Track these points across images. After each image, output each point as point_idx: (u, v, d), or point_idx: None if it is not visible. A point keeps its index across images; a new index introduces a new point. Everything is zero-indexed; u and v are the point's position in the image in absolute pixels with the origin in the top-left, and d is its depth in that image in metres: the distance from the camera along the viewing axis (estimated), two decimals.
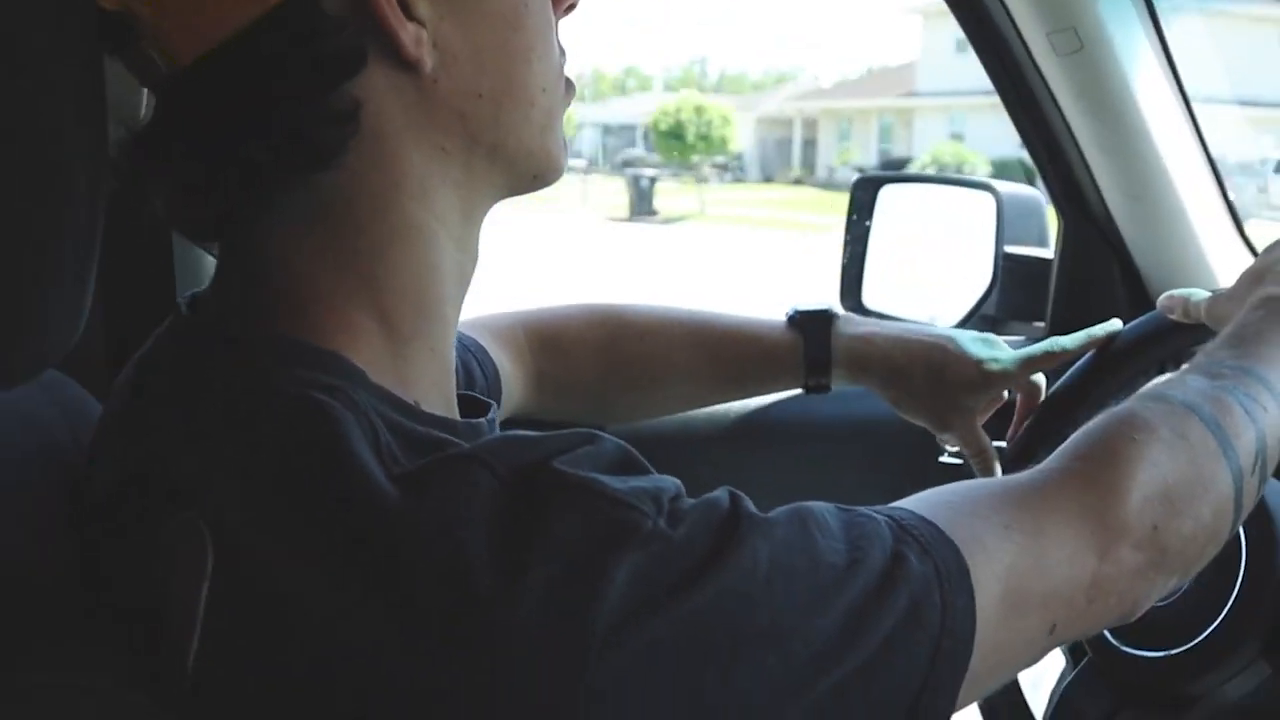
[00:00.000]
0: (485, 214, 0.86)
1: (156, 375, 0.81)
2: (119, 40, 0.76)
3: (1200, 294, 1.26)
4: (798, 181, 43.62)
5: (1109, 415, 0.97)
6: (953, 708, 0.77)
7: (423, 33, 0.77)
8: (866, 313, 2.05)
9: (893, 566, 0.75)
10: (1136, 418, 0.94)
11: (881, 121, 44.51)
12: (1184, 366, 1.06)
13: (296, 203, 0.77)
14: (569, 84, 0.87)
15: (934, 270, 2.16)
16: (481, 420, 0.85)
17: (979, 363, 1.39)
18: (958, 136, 36.68)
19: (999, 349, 1.42)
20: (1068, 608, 0.85)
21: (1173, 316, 1.29)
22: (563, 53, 0.87)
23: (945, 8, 1.73)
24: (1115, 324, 1.40)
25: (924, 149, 34.76)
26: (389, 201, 0.78)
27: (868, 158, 41.81)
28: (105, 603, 0.74)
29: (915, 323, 1.86)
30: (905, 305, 2.08)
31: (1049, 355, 1.41)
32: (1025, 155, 1.87)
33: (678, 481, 0.73)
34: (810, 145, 48.19)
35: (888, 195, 2.11)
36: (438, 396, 0.83)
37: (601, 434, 0.74)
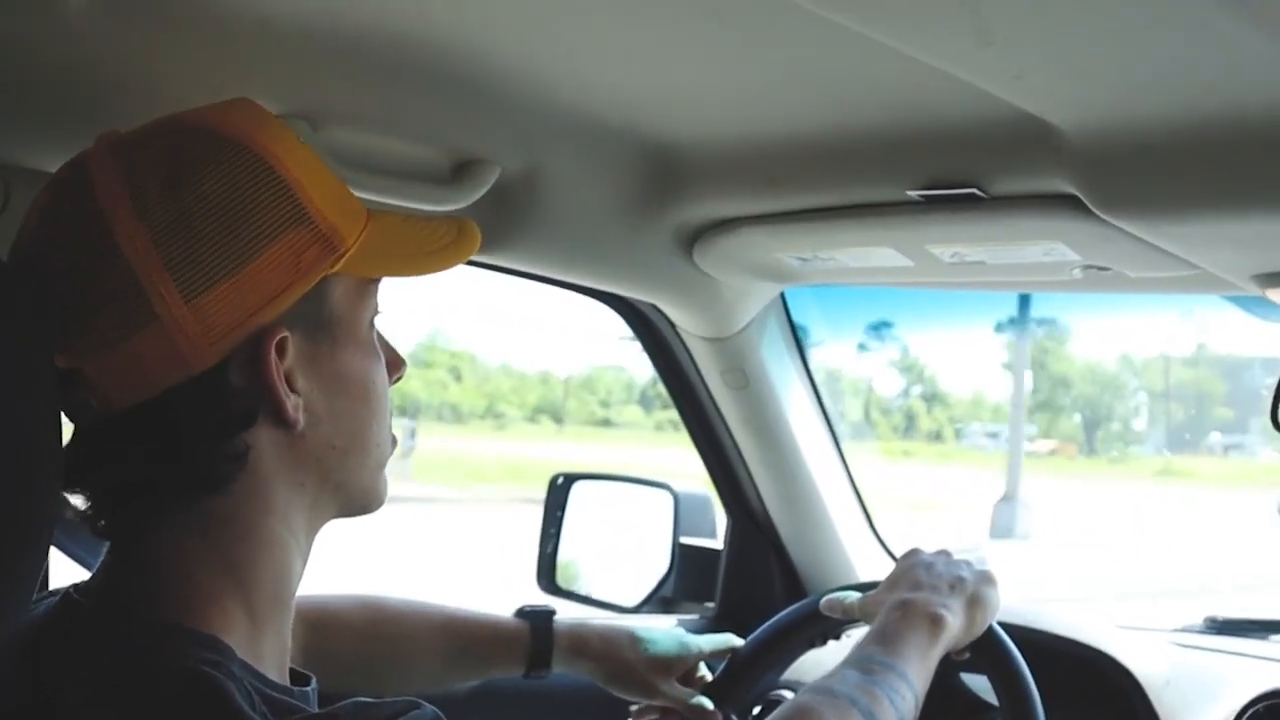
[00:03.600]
0: (318, 533, 1.10)
1: (54, 645, 0.99)
2: (67, 389, 0.97)
3: (853, 596, 1.60)
4: None
5: (795, 708, 1.28)
6: None
7: (299, 400, 1.02)
8: (559, 592, 2.30)
9: None
10: (814, 713, 1.25)
11: None
12: (842, 661, 1.39)
13: (189, 518, 0.99)
14: (393, 438, 1.14)
15: (619, 557, 2.43)
16: (308, 689, 1.07)
17: (673, 650, 1.69)
18: None
19: (687, 638, 1.71)
20: None
21: (834, 615, 1.63)
22: (392, 413, 1.13)
23: None
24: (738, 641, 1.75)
25: None
26: (260, 522, 1.02)
27: None
28: None
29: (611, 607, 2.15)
30: (594, 587, 2.34)
31: (728, 650, 1.74)
32: None
33: None
34: None
35: (579, 490, 2.37)
36: (278, 670, 1.05)
37: (421, 702, 0.98)
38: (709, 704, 1.68)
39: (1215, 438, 21.39)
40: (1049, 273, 1.58)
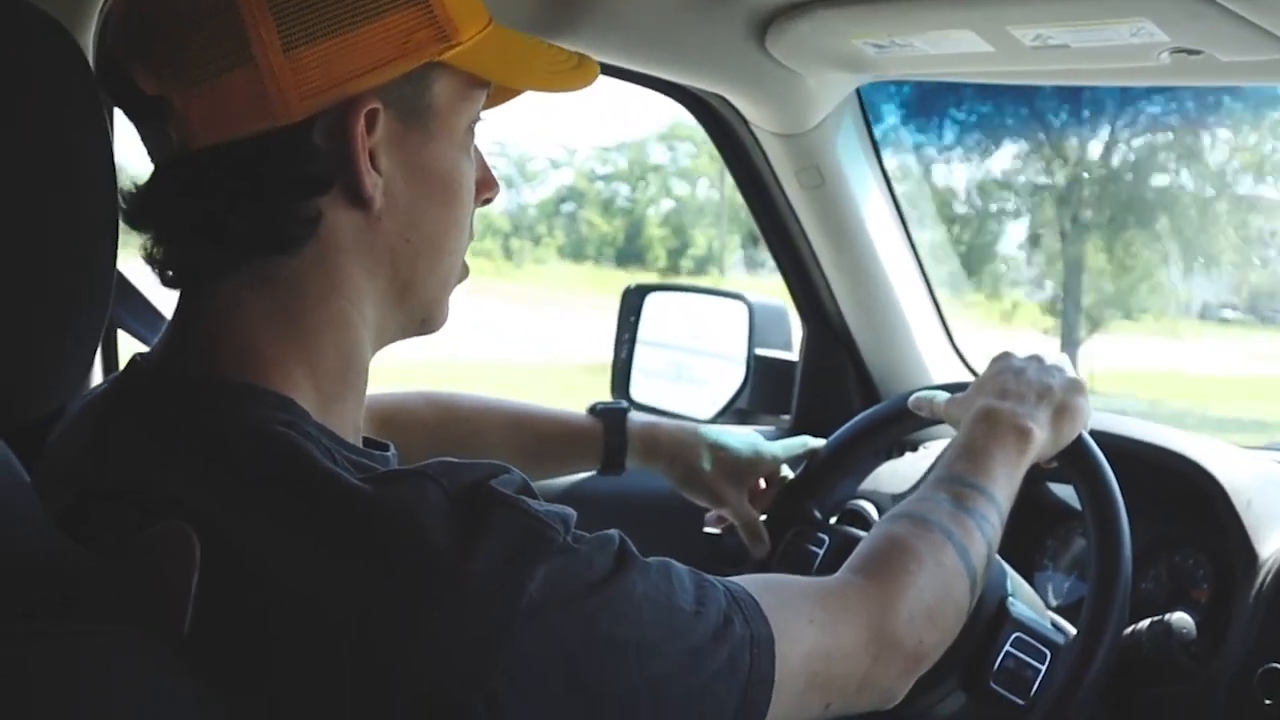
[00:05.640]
0: (386, 342, 1.08)
1: (126, 409, 0.99)
2: (152, 117, 0.96)
3: (942, 396, 1.58)
4: None
5: (890, 539, 1.24)
6: None
7: (379, 180, 0.99)
8: (634, 405, 2.30)
9: (724, 624, 1.00)
10: (910, 549, 1.22)
11: None
12: (932, 477, 1.36)
13: (256, 275, 0.98)
14: (465, 265, 1.11)
15: (694, 369, 2.42)
16: (389, 454, 1.06)
17: (746, 455, 1.68)
18: None
19: (761, 444, 1.70)
20: (841, 693, 1.12)
21: (922, 414, 1.61)
22: (472, 234, 1.11)
23: None
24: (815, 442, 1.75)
25: None
26: (328, 296, 1.00)
27: None
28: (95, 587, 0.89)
29: (686, 419, 2.14)
30: (669, 399, 2.34)
31: (805, 452, 1.73)
32: None
33: (574, 513, 0.96)
34: None
35: (653, 302, 2.37)
36: (353, 439, 1.04)
37: (510, 466, 0.96)
38: (765, 534, 1.67)
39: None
40: (1136, 57, 1.50)
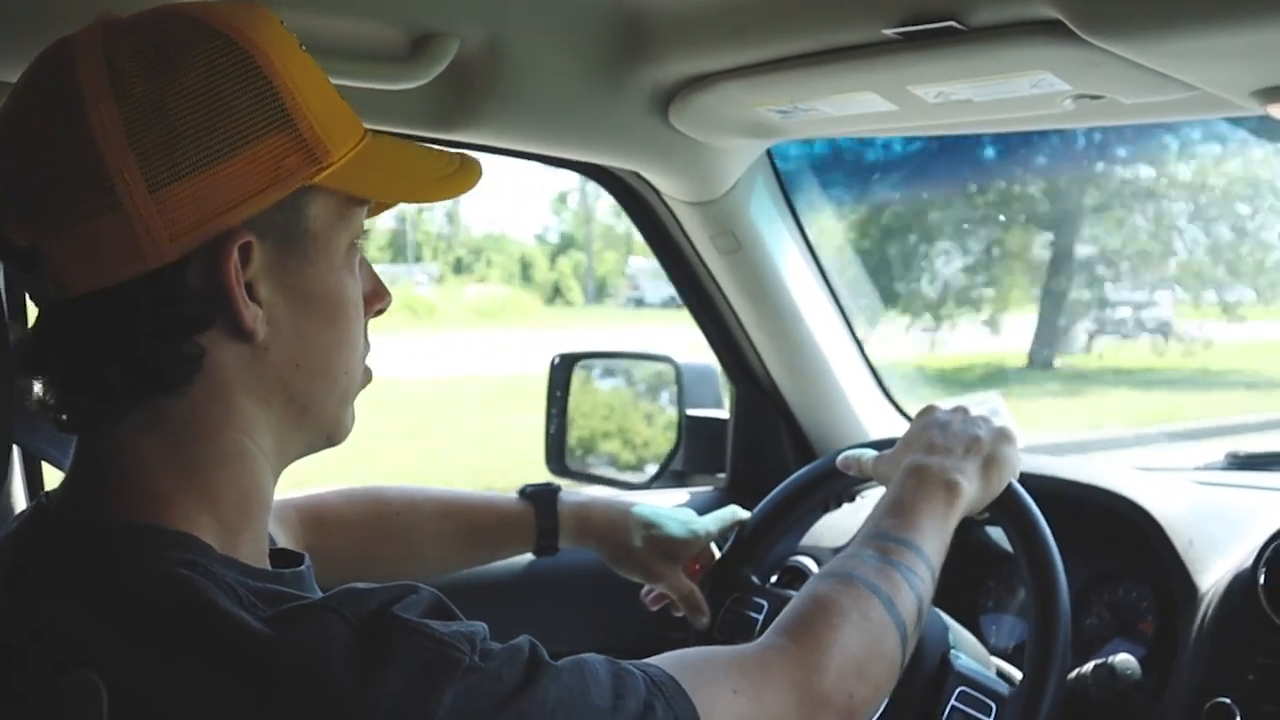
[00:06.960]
0: (289, 462, 1.07)
1: (32, 557, 0.97)
2: (24, 267, 0.95)
3: (869, 454, 1.57)
4: None
5: (813, 598, 1.23)
6: None
7: (260, 312, 0.97)
8: (571, 474, 2.29)
9: (645, 711, 0.99)
10: (833, 605, 1.21)
11: None
12: (860, 535, 1.35)
13: (147, 417, 0.96)
14: (367, 371, 1.10)
15: (627, 433, 2.41)
16: (301, 569, 1.04)
17: (679, 534, 1.67)
18: None
19: (694, 521, 1.69)
20: None
21: (850, 473, 1.60)
22: (368, 346, 1.09)
23: None
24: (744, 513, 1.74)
25: None
26: (221, 430, 0.98)
27: None
28: None
29: (623, 484, 2.12)
30: (604, 467, 2.32)
31: (735, 522, 1.73)
32: None
33: (485, 625, 0.94)
34: None
35: (581, 370, 2.34)
36: (257, 562, 1.01)
37: (420, 585, 0.95)
38: (704, 604, 1.67)
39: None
40: (1040, 106, 1.51)
